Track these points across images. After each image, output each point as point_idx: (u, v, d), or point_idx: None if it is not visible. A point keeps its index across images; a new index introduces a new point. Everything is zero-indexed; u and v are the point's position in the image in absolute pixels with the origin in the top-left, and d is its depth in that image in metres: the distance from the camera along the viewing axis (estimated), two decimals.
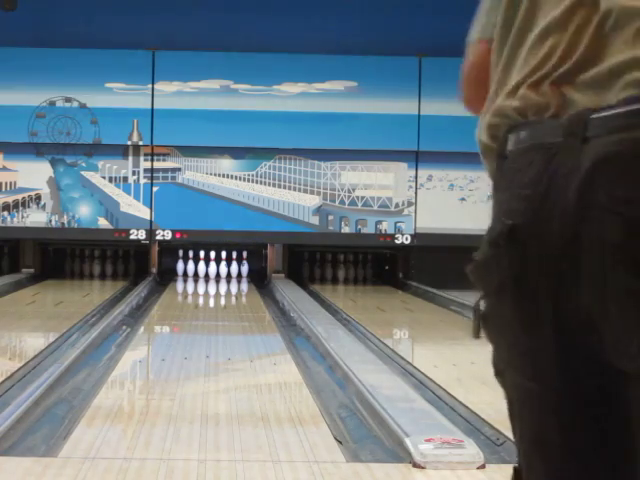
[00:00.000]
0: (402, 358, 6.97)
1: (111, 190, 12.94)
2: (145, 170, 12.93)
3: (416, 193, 12.87)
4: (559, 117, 1.34)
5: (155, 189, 12.92)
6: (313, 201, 12.96)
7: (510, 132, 1.39)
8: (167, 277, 13.20)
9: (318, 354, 7.07)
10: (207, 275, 13.43)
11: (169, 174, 13.04)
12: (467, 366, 6.48)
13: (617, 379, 1.29)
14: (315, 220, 12.97)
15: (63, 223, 12.87)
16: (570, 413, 1.32)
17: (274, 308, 10.29)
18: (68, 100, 12.86)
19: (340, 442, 4.44)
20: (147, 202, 12.87)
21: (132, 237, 12.82)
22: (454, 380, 6.08)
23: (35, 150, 12.84)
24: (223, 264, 13.47)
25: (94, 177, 12.96)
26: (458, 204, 12.81)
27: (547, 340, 1.30)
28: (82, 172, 12.94)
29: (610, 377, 1.30)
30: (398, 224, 12.86)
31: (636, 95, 1.25)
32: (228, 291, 12.65)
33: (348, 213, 12.93)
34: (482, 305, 1.35)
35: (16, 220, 12.81)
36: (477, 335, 1.38)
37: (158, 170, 12.98)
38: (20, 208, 12.83)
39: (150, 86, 12.79)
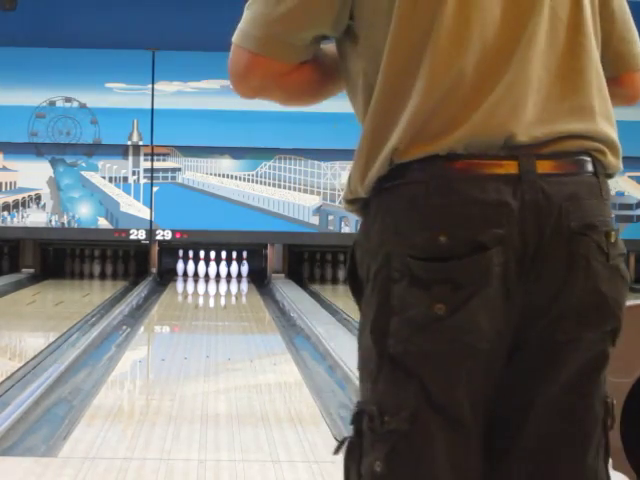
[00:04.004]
0: None
1: (111, 190, 12.94)
2: (145, 170, 12.93)
3: None
4: None
5: (155, 189, 12.92)
6: (313, 201, 12.96)
7: None
8: (167, 277, 13.19)
9: (318, 354, 7.06)
10: (207, 275, 13.41)
11: (169, 174, 13.04)
12: None
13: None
14: (315, 220, 12.97)
15: (63, 223, 12.86)
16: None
17: (274, 308, 10.28)
18: (68, 100, 12.86)
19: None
20: (147, 202, 12.86)
21: (132, 237, 12.82)
22: None
23: (35, 150, 12.84)
24: (223, 264, 13.46)
25: (94, 177, 12.96)
26: None
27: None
28: (82, 172, 12.94)
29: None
30: None
31: None
32: (228, 291, 12.64)
33: (348, 213, 12.90)
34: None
35: (16, 220, 12.81)
36: None
37: (158, 170, 12.97)
38: (20, 208, 12.83)
39: (150, 86, 12.79)
